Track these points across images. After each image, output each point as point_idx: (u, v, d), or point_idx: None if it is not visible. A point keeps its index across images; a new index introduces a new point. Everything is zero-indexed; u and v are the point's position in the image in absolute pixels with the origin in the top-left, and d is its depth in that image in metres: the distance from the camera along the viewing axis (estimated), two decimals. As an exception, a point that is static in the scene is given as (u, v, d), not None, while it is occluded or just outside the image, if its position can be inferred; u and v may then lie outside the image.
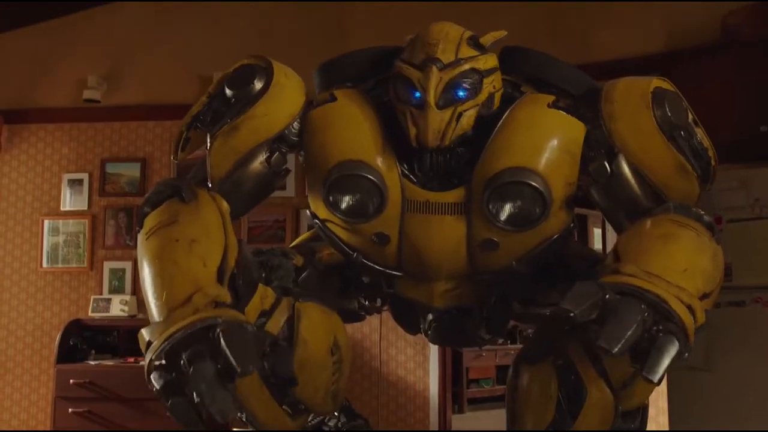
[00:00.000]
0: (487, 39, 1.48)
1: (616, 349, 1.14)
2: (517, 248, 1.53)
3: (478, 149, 1.47)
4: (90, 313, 4.48)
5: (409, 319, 1.84)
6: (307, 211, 1.67)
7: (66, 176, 4.76)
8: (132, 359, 4.22)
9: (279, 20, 4.49)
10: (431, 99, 1.39)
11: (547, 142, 1.46)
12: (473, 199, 1.46)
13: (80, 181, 4.75)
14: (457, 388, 5.56)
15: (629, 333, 1.15)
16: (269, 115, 1.49)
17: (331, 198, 1.49)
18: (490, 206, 1.44)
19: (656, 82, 1.49)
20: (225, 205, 1.46)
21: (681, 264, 1.30)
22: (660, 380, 1.17)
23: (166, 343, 1.18)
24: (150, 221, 1.44)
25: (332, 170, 1.48)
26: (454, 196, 1.48)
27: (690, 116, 1.50)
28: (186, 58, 4.66)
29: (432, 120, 1.39)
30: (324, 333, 1.54)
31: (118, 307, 4.44)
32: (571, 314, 1.19)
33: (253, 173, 1.56)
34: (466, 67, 1.41)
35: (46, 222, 4.73)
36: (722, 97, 3.46)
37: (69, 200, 4.74)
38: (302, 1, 4.49)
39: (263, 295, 1.47)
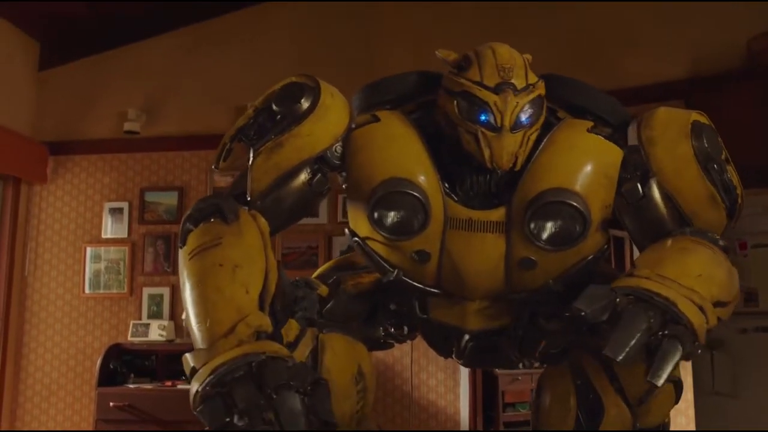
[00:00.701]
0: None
1: (621, 357, 1.20)
2: (554, 267, 1.55)
3: (518, 171, 1.51)
4: (129, 338, 4.62)
5: (442, 343, 1.84)
6: (346, 230, 1.69)
7: (107, 205, 4.93)
8: (169, 383, 4.33)
9: (314, 50, 4.61)
10: (507, 123, 1.43)
11: (586, 165, 1.51)
12: (514, 218, 1.50)
13: (121, 210, 4.92)
14: (493, 412, 5.56)
15: (633, 341, 1.21)
16: (313, 135, 1.52)
17: (376, 215, 1.51)
18: (532, 225, 1.47)
19: (695, 115, 1.55)
20: (265, 224, 1.49)
21: (696, 270, 1.35)
22: (664, 383, 1.23)
23: (212, 376, 1.23)
24: (193, 241, 1.46)
25: (377, 188, 1.50)
26: (496, 215, 1.51)
27: (724, 153, 1.55)
28: (221, 89, 4.83)
29: (507, 143, 1.44)
30: (348, 363, 1.58)
31: (157, 332, 4.57)
32: (582, 313, 1.25)
33: (294, 192, 1.57)
34: (536, 93, 1.48)
35: (88, 249, 4.90)
36: (747, 122, 3.50)
37: (110, 228, 4.90)
38: (336, 31, 4.63)
39: (287, 327, 1.50)
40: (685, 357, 1.25)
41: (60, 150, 5.02)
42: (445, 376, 4.37)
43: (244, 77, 4.68)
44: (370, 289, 1.74)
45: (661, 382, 1.21)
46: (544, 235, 1.48)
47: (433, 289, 1.63)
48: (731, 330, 3.12)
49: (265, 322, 1.34)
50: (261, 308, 1.37)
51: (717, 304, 1.34)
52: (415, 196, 1.48)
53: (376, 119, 1.58)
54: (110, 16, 4.95)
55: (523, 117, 1.45)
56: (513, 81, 1.45)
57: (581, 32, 4.20)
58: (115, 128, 4.92)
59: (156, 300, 4.77)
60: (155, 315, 4.73)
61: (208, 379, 1.24)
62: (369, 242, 1.62)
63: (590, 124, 1.55)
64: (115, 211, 4.92)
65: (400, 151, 1.53)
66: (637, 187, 1.52)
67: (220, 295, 1.35)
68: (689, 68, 3.92)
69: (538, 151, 1.51)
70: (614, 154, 1.53)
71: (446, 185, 1.54)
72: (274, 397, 1.21)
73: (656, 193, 1.54)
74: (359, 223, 1.61)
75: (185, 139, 4.89)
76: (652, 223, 1.55)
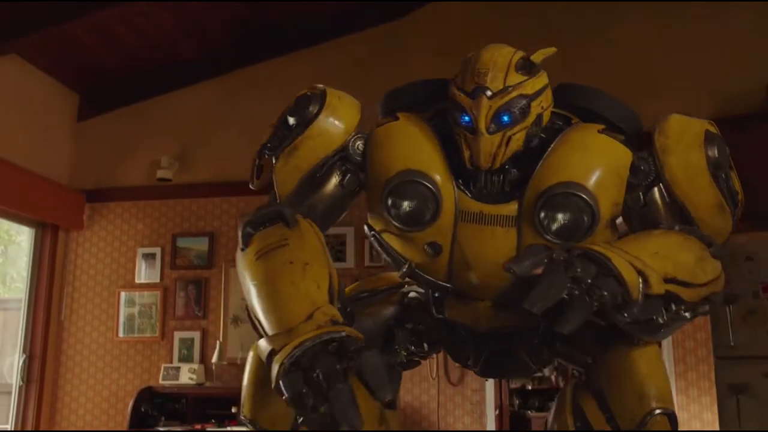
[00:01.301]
0: (537, 57, 1.54)
1: (535, 309, 1.24)
2: None
3: (530, 170, 1.55)
4: (160, 381, 4.70)
5: (458, 348, 1.84)
6: (365, 227, 1.73)
7: (140, 250, 5.07)
8: (199, 426, 4.39)
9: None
10: (482, 126, 1.47)
11: (597, 162, 1.53)
12: (525, 212, 1.53)
13: (153, 255, 5.05)
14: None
15: (552, 292, 1.24)
16: (325, 134, 1.62)
17: (389, 202, 1.55)
18: (542, 216, 1.50)
19: (708, 125, 1.59)
20: (318, 229, 1.56)
21: (653, 248, 1.40)
22: (569, 332, 1.27)
23: (296, 349, 1.26)
24: (258, 242, 1.51)
25: (393, 177, 1.56)
26: (507, 209, 1.54)
27: (730, 162, 1.60)
28: (252, 136, 4.88)
29: (483, 145, 1.48)
30: (373, 404, 1.63)
31: (187, 376, 4.65)
32: (512, 270, 1.29)
33: (326, 197, 1.65)
34: (514, 94, 1.48)
35: (122, 294, 5.03)
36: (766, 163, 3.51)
37: (143, 273, 5.03)
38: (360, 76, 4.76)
39: None
40: (616, 309, 1.28)
41: (96, 197, 5.19)
42: (471, 420, 4.37)
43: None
44: (384, 315, 1.78)
45: (564, 330, 1.25)
46: (554, 227, 1.50)
47: (445, 284, 1.65)
48: (757, 375, 3.11)
49: (338, 313, 1.39)
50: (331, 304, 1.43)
51: (671, 280, 1.36)
52: (427, 186, 1.53)
53: (396, 119, 1.65)
54: (145, 68, 5.16)
55: (504, 117, 1.48)
56: (488, 85, 1.47)
57: (608, 79, 4.26)
58: (148, 176, 5.09)
59: (187, 344, 4.87)
60: (186, 358, 4.82)
61: (292, 352, 1.27)
62: (384, 235, 1.66)
63: (602, 126, 1.58)
64: (148, 257, 5.05)
65: (416, 146, 1.59)
66: (639, 195, 1.56)
67: (295, 289, 1.40)
68: (712, 110, 3.94)
69: (549, 150, 1.55)
70: (625, 155, 1.56)
71: (460, 181, 1.58)
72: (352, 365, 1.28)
73: (658, 199, 1.57)
74: (376, 217, 1.66)
75: (216, 186, 5.03)
76: (654, 226, 1.58)
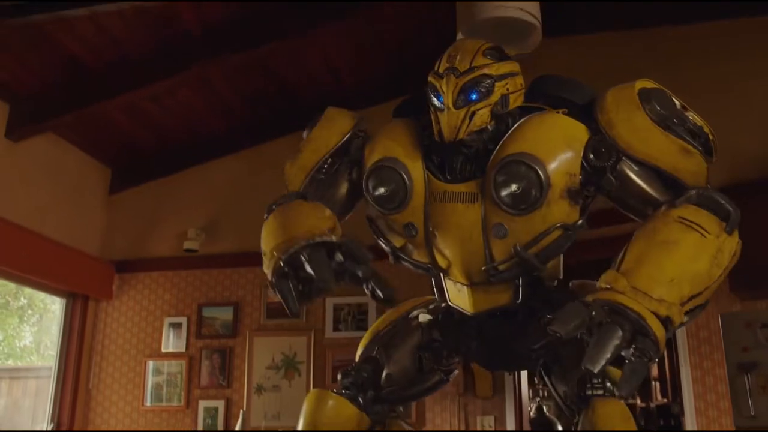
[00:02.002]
0: (510, 51, 1.73)
1: (597, 369, 1.33)
2: (523, 234, 1.61)
3: (492, 149, 1.66)
4: (185, 450, 4.75)
5: (460, 338, 1.88)
6: (366, 219, 1.88)
7: (167, 320, 5.19)
8: (221, 495, 4.41)
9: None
10: (448, 101, 1.61)
11: (549, 134, 1.62)
12: (485, 186, 1.62)
13: (180, 325, 5.16)
14: None
15: (609, 354, 1.33)
16: (322, 137, 1.86)
17: (368, 187, 1.74)
18: (495, 187, 1.59)
19: (639, 83, 1.62)
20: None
21: (669, 274, 1.43)
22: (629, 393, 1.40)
23: (289, 246, 1.56)
24: (278, 209, 1.76)
25: (371, 166, 1.74)
26: (467, 186, 1.66)
27: (677, 104, 1.62)
28: (275, 208, 5.10)
29: (450, 118, 1.62)
30: None
31: (211, 445, 4.70)
32: (558, 334, 1.36)
33: (339, 189, 1.88)
34: (478, 73, 1.63)
35: (149, 363, 5.12)
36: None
37: (170, 342, 5.13)
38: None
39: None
40: (649, 362, 1.38)
41: (125, 268, 5.35)
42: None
43: (296, 197, 4.95)
44: (409, 344, 1.88)
45: (626, 392, 1.38)
46: (505, 195, 1.58)
47: (426, 264, 1.77)
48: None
49: (338, 232, 1.64)
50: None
51: (690, 298, 1.43)
52: (396, 170, 1.70)
53: (389, 122, 1.85)
54: (173, 143, 5.38)
55: (470, 94, 1.62)
56: (456, 65, 1.64)
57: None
58: (176, 247, 5.24)
59: (211, 413, 4.92)
60: (210, 428, 4.87)
61: (284, 247, 1.57)
62: (378, 223, 1.82)
63: (565, 110, 1.67)
64: (175, 326, 5.16)
65: (394, 139, 1.75)
66: (609, 178, 1.59)
67: (300, 216, 1.66)
68: (730, 175, 3.99)
69: (511, 130, 1.65)
70: (579, 129, 1.62)
71: (431, 165, 1.71)
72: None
73: (630, 173, 1.61)
74: (370, 207, 1.81)
75: (241, 256, 5.15)
76: (641, 199, 1.63)
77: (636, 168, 1.61)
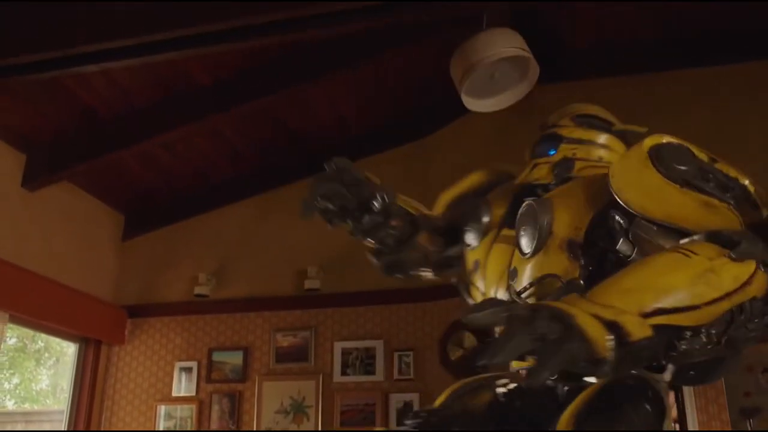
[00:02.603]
0: (618, 126, 1.84)
1: (494, 360, 1.12)
2: (525, 278, 1.59)
3: None
4: (194, 495, 4.76)
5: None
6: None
7: (178, 364, 5.24)
8: None
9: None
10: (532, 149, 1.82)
11: (578, 188, 1.65)
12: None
13: (190, 369, 5.21)
14: None
15: (512, 349, 1.13)
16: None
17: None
18: (516, 230, 1.65)
19: (649, 141, 1.50)
20: None
21: (625, 285, 1.30)
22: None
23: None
24: None
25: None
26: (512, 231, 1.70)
27: (699, 156, 1.50)
28: (285, 254, 5.20)
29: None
30: None
31: (219, 490, 4.71)
32: (465, 320, 1.24)
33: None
34: (552, 131, 1.80)
35: (160, 407, 5.17)
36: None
37: (180, 386, 5.18)
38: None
39: None
40: (581, 369, 1.23)
41: (137, 313, 5.43)
42: None
43: (306, 243, 5.03)
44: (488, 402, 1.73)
45: (535, 381, 1.15)
46: (519, 237, 1.61)
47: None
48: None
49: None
50: None
51: (656, 312, 1.25)
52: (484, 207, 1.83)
53: None
54: (185, 190, 5.50)
55: (541, 149, 1.82)
56: (548, 122, 1.87)
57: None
58: (186, 292, 5.32)
59: (221, 457, 4.94)
60: (220, 473, 4.89)
61: None
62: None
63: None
64: (185, 370, 5.22)
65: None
66: (627, 242, 1.51)
67: None
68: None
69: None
70: (604, 191, 1.54)
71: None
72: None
73: (650, 234, 1.49)
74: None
75: (250, 301, 5.22)
76: None
77: (656, 229, 1.49)
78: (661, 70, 4.49)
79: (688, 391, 3.96)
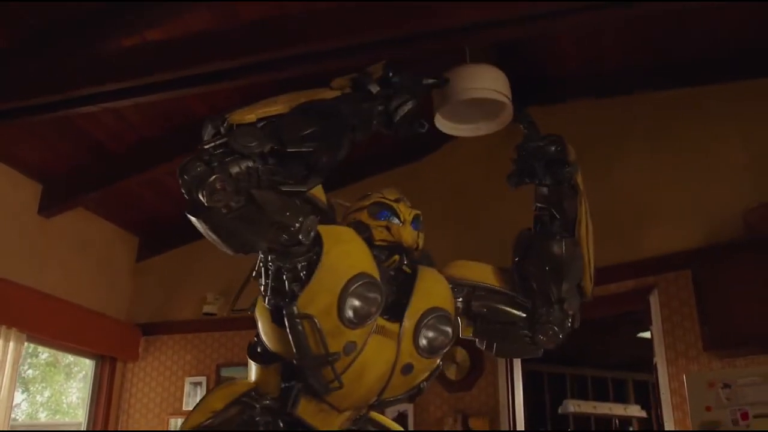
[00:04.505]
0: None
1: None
2: (423, 372, 1.86)
3: (406, 295, 1.84)
4: (203, 505, 5.00)
5: None
6: (290, 309, 1.67)
7: (188, 379, 5.52)
8: None
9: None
10: (407, 219, 1.90)
11: (446, 293, 1.91)
12: (404, 331, 1.79)
13: (199, 384, 5.48)
14: None
15: None
16: None
17: (352, 299, 1.66)
18: (419, 335, 1.79)
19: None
20: None
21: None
22: None
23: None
24: None
25: (361, 276, 1.69)
26: (394, 326, 1.79)
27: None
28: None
29: (410, 233, 1.89)
30: None
31: (225, 499, 4.94)
32: None
33: None
34: (418, 212, 1.93)
35: (171, 420, 5.44)
36: (747, 291, 3.69)
37: (190, 401, 5.45)
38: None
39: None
40: None
41: (150, 331, 5.73)
42: None
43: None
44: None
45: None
46: (426, 343, 1.79)
47: (338, 380, 1.68)
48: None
49: None
50: None
51: None
52: (382, 291, 1.74)
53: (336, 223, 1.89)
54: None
55: (417, 224, 1.91)
56: (403, 200, 1.95)
57: (603, 212, 4.55)
58: (195, 310, 5.59)
59: (228, 468, 5.18)
60: (227, 484, 5.12)
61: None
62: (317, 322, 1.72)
63: (433, 269, 1.96)
64: (195, 385, 5.49)
65: (368, 255, 1.78)
66: (478, 316, 2.00)
67: None
68: (699, 238, 4.18)
69: (417, 281, 1.87)
70: (450, 289, 1.96)
71: None
72: None
73: (479, 304, 2.00)
74: (314, 305, 1.66)
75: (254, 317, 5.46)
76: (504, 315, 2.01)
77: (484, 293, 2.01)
78: (639, 91, 4.66)
79: (666, 406, 4.10)
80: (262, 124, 1.54)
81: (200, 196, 1.46)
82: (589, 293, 2.01)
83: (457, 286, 1.96)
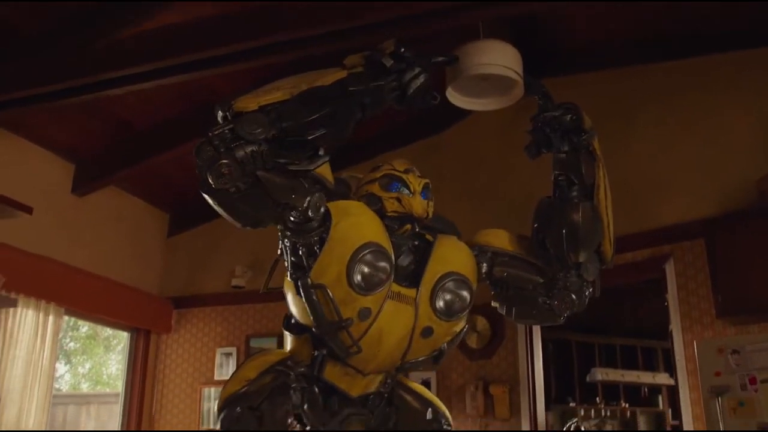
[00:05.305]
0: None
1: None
2: (445, 335, 1.93)
3: (422, 263, 1.93)
4: (235, 469, 5.22)
5: (321, 409, 1.98)
6: (305, 281, 1.80)
7: (219, 350, 5.73)
8: None
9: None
10: (417, 189, 1.94)
11: (465, 258, 1.99)
12: (422, 295, 1.88)
13: (230, 354, 5.68)
14: None
15: None
16: None
17: (357, 268, 1.75)
18: (438, 299, 1.88)
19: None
20: None
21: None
22: None
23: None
24: None
25: (369, 245, 1.78)
26: (411, 292, 1.89)
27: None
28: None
29: (420, 203, 1.94)
30: None
31: (256, 464, 5.15)
32: None
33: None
34: (427, 181, 1.98)
35: (204, 389, 5.66)
36: (759, 259, 3.72)
37: (221, 371, 5.66)
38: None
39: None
40: None
41: (181, 304, 5.93)
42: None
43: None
44: (286, 404, 1.94)
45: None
46: (443, 306, 1.88)
47: (352, 347, 1.80)
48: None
49: None
50: None
51: None
52: (390, 259, 1.81)
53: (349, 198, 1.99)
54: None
55: (427, 193, 1.96)
56: (413, 170, 1.98)
57: (618, 183, 4.59)
58: (224, 284, 5.77)
59: (258, 434, 5.38)
60: (258, 449, 5.32)
61: None
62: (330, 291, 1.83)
63: (455, 237, 2.05)
64: (225, 356, 5.69)
65: (378, 226, 1.87)
66: (498, 279, 2.04)
67: None
68: (711, 208, 4.20)
69: (434, 248, 1.96)
70: (473, 256, 2.03)
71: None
72: None
73: (501, 270, 2.05)
74: (326, 275, 1.77)
75: (283, 291, 5.61)
76: (523, 280, 2.07)
77: (508, 258, 2.06)
78: (652, 61, 4.66)
79: (681, 372, 4.17)
80: (268, 109, 1.65)
81: (209, 179, 1.61)
82: (609, 258, 2.05)
83: (481, 252, 2.04)
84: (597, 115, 2.14)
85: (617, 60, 4.77)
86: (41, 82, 4.04)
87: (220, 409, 1.88)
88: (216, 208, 1.71)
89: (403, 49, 1.79)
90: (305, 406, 1.91)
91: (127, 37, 3.89)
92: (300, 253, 1.85)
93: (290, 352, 2.00)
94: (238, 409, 1.83)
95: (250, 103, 1.65)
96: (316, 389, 1.92)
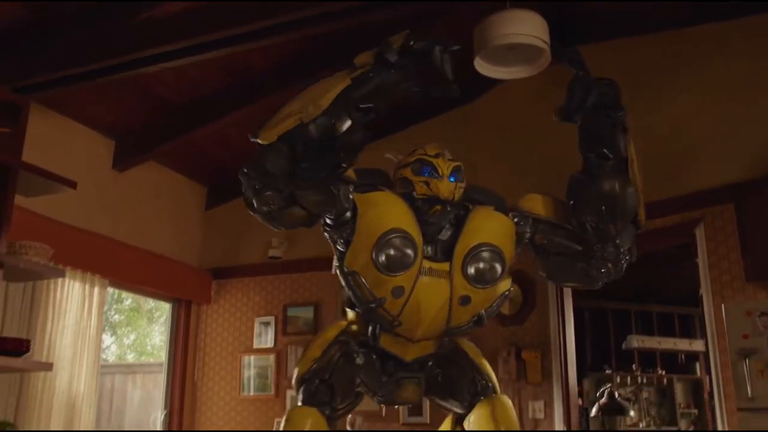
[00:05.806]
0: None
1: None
2: (483, 302, 2.12)
3: (454, 240, 2.10)
4: (275, 433, 5.41)
5: (378, 375, 2.23)
6: (341, 269, 2.07)
7: (257, 320, 5.89)
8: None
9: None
10: (445, 173, 2.10)
11: (498, 228, 2.15)
12: (455, 266, 2.07)
13: (268, 323, 5.85)
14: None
15: None
16: None
17: (383, 250, 1.98)
18: (470, 268, 2.05)
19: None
20: None
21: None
22: None
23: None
24: None
25: (390, 231, 2.00)
26: (443, 266, 2.08)
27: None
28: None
29: (447, 185, 2.09)
30: None
31: (296, 429, 5.32)
32: None
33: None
34: (458, 164, 2.13)
35: (243, 358, 5.84)
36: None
37: (260, 339, 5.83)
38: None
39: None
40: None
41: (220, 275, 6.10)
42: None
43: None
44: (351, 370, 2.19)
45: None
46: (476, 275, 2.05)
47: (395, 318, 2.05)
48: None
49: None
50: None
51: None
52: (414, 243, 2.02)
53: (378, 189, 2.15)
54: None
55: (455, 176, 2.10)
56: (443, 154, 2.12)
57: (648, 149, 4.59)
58: (262, 255, 5.93)
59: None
60: (297, 413, 5.49)
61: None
62: (361, 276, 2.05)
63: (492, 207, 2.19)
64: (264, 325, 5.86)
65: (402, 213, 2.07)
66: (535, 239, 2.23)
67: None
68: (741, 174, 4.19)
69: (466, 223, 2.12)
70: (510, 224, 2.19)
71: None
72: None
73: (542, 237, 2.23)
74: (357, 261, 2.03)
75: (319, 261, 5.68)
76: (562, 246, 2.22)
77: (549, 227, 2.24)
78: (680, 27, 4.63)
79: (711, 336, 4.19)
80: (285, 138, 1.88)
81: (254, 204, 2.00)
82: (643, 223, 2.20)
83: (523, 218, 2.21)
84: (624, 81, 2.19)
85: (646, 26, 4.75)
86: (81, 62, 4.17)
87: (297, 389, 2.13)
88: (262, 221, 2.05)
89: (412, 42, 1.92)
90: (362, 373, 2.18)
91: (163, 14, 4.00)
92: (337, 245, 2.10)
93: (349, 322, 2.26)
94: (313, 383, 2.08)
95: (271, 134, 1.89)
96: (374, 355, 2.19)
